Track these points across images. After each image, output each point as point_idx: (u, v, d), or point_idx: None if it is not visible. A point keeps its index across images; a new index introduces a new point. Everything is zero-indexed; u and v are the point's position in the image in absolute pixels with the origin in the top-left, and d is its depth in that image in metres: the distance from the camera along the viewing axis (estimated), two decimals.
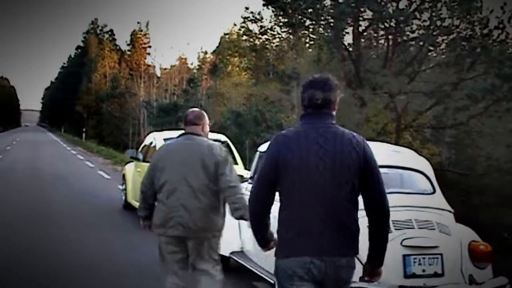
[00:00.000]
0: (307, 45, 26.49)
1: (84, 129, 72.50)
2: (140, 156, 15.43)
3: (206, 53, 62.92)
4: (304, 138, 4.35)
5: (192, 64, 65.29)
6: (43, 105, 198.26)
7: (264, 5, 22.40)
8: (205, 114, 6.58)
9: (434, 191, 7.60)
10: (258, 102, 31.82)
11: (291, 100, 26.56)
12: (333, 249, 4.27)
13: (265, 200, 4.43)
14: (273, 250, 4.51)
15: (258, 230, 4.59)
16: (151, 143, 15.24)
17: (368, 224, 4.44)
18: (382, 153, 7.55)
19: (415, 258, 6.61)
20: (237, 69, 45.47)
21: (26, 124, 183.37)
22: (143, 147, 15.94)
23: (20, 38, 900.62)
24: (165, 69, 67.47)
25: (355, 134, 4.49)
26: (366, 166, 4.36)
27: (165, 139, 13.75)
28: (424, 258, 6.63)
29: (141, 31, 69.70)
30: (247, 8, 28.67)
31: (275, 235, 4.52)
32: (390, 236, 4.64)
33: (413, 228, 6.79)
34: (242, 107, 35.54)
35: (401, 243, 6.58)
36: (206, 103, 44.40)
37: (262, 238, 4.63)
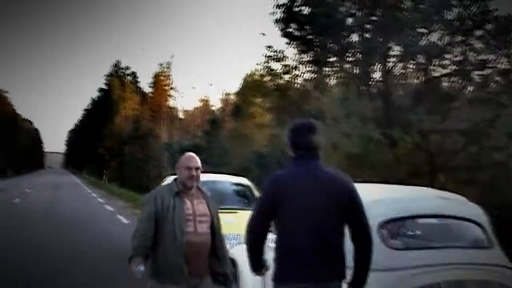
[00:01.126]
0: (333, 83, 25.70)
1: (105, 171, 71.89)
2: None
3: (228, 94, 62.35)
4: (299, 177, 4.98)
5: (214, 106, 64.72)
6: (67, 148, 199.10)
7: (287, 43, 21.60)
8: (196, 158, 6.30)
9: (492, 245, 6.46)
10: (282, 143, 30.89)
11: None
12: (326, 274, 4.86)
13: (262, 230, 5.03)
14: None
15: (254, 256, 5.16)
16: None
17: (353, 252, 4.99)
18: (428, 200, 6.59)
19: None
20: (260, 110, 44.67)
21: (50, 166, 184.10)
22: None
23: (45, 82, 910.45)
24: (186, 111, 66.95)
25: (342, 173, 5.16)
26: (353, 202, 4.98)
27: None
28: None
29: (163, 72, 69.13)
30: (269, 47, 27.72)
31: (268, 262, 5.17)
32: None
33: None
34: (264, 148, 34.66)
35: None
36: (228, 145, 43.65)
37: (257, 263, 5.20)
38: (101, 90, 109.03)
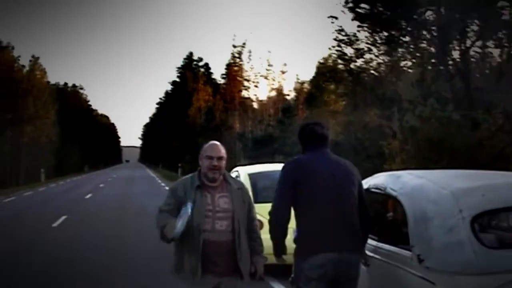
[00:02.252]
0: (408, 64, 24.68)
1: (179, 164, 71.82)
2: None
3: (303, 83, 61.41)
4: (317, 162, 5.39)
5: (288, 94, 63.85)
6: (142, 141, 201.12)
7: (359, 26, 20.68)
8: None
9: None
10: (357, 130, 30.00)
11: (391, 126, 24.53)
12: (348, 245, 5.22)
13: (286, 212, 5.30)
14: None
15: (279, 239, 5.37)
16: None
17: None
18: None
19: None
20: (334, 96, 43.77)
21: (127, 160, 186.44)
22: None
23: (120, 77, 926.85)
24: (260, 100, 66.26)
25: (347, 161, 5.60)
26: (359, 185, 5.50)
27: (249, 174, 12.07)
28: None
29: (235, 62, 68.50)
30: (341, 30, 26.78)
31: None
32: None
33: None
34: (340, 136, 33.73)
35: None
36: None
37: (281, 246, 5.42)
38: (173, 82, 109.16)
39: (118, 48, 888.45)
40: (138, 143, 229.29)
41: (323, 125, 5.69)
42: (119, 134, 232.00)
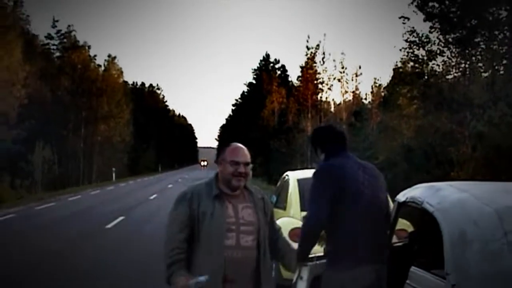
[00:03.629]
0: (480, 67, 23.51)
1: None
2: (273, 200, 12.76)
3: (379, 86, 60.21)
4: (351, 168, 5.07)
5: (366, 98, 62.70)
6: (218, 142, 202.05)
7: (431, 27, 19.65)
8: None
9: None
10: (428, 135, 28.88)
11: (463, 132, 23.37)
12: (380, 258, 5.07)
13: (323, 218, 4.93)
14: None
15: (309, 245, 5.04)
16: (283, 184, 12.51)
17: None
18: None
19: None
20: (406, 100, 42.75)
21: (204, 160, 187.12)
22: (277, 188, 13.25)
23: (196, 78, 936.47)
24: (336, 103, 65.39)
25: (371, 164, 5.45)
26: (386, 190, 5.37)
27: (299, 180, 11.15)
28: None
29: (309, 65, 67.85)
30: (412, 31, 25.76)
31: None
32: None
33: None
34: (412, 141, 32.69)
35: None
36: (373, 138, 41.86)
37: (308, 252, 5.07)
38: (249, 84, 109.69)
39: (196, 49, 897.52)
40: (215, 144, 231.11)
41: (340, 127, 5.26)
42: (197, 135, 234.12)
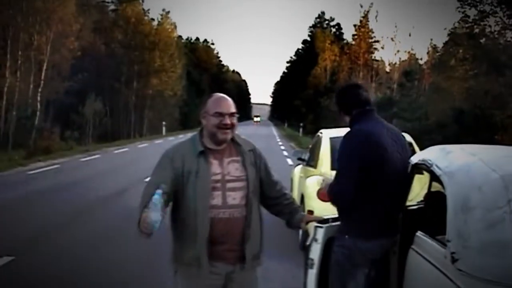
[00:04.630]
0: None
1: (301, 124, 71.40)
2: (306, 157, 12.61)
3: (435, 47, 59.25)
4: (382, 134, 4.81)
5: (421, 59, 61.81)
6: (272, 99, 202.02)
7: None
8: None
9: None
10: (478, 97, 28.33)
11: None
12: (396, 231, 5.00)
13: (351, 194, 4.69)
14: None
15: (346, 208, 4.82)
16: (316, 141, 12.28)
17: None
18: None
19: None
20: (457, 61, 42.07)
21: (257, 115, 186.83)
22: (311, 146, 12.99)
23: (251, 33, 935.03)
24: (392, 63, 64.75)
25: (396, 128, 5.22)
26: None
27: (332, 138, 10.87)
28: None
29: (363, 23, 67.19)
30: None
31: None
32: None
33: None
34: (464, 103, 32.15)
35: None
36: (424, 99, 41.27)
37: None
38: (304, 41, 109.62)
39: (251, 7, 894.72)
40: (269, 101, 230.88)
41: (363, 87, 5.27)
42: (251, 91, 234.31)
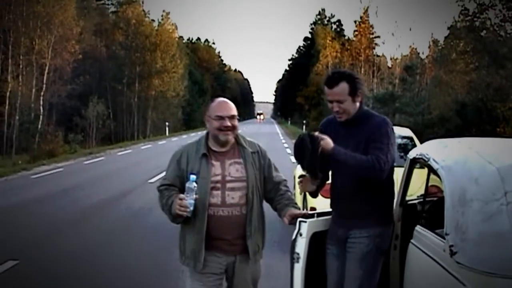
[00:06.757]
0: None
1: (304, 121, 71.43)
2: None
3: (436, 41, 59.19)
4: None
5: (423, 53, 61.75)
6: (275, 97, 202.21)
7: None
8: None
9: None
10: (480, 90, 28.33)
11: None
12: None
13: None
14: None
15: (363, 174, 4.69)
16: None
17: None
18: None
19: None
20: (458, 54, 42.00)
21: (260, 112, 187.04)
22: None
23: (252, 32, 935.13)
24: (393, 59, 64.72)
25: None
26: None
27: None
28: None
29: (363, 19, 67.20)
30: None
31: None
32: None
33: None
34: (466, 96, 32.14)
35: None
36: (426, 93, 41.23)
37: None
38: (306, 39, 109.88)
39: (251, 5, 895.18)
40: (272, 99, 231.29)
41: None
42: (253, 90, 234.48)
